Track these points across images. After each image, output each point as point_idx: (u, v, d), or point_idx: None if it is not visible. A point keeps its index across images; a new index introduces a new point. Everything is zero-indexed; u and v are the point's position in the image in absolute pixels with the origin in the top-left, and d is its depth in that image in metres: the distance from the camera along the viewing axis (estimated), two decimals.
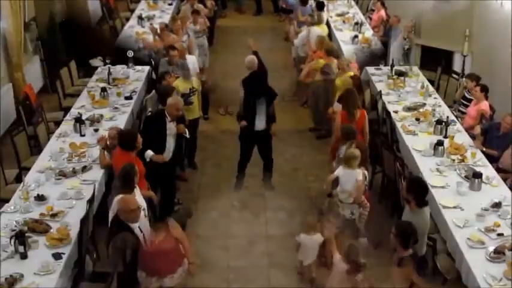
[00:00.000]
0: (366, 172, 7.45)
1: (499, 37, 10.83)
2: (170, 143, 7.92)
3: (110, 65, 11.21)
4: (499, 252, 6.09)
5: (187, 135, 8.15)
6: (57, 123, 9.48)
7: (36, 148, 9.04)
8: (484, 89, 9.21)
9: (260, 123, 8.82)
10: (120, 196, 6.10)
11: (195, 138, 9.74)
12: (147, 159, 7.66)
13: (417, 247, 6.01)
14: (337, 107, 8.96)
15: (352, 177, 7.18)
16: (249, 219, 8.63)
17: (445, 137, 8.55)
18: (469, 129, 9.01)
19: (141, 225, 6.09)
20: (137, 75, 11.05)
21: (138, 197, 6.35)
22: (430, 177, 7.60)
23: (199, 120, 9.79)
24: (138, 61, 11.20)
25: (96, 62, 12.64)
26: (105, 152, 7.72)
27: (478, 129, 8.66)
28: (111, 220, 6.08)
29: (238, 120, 9.07)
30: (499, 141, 8.39)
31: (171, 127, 7.90)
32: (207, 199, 9.12)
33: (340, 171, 7.28)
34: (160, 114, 7.98)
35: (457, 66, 12.16)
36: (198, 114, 9.53)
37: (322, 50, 10.67)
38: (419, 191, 6.29)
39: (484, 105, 9.21)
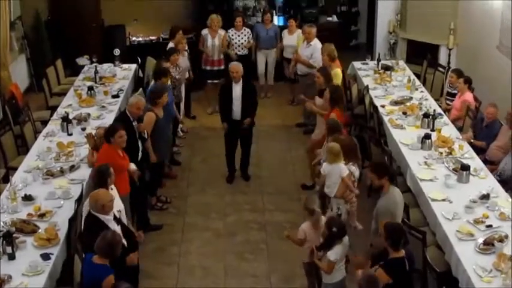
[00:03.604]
0: (353, 168, 7.37)
1: (484, 30, 10.88)
2: (139, 142, 7.80)
3: (96, 64, 11.17)
4: (488, 244, 6.10)
5: (146, 136, 7.94)
6: (44, 123, 9.42)
7: (23, 148, 8.97)
8: (467, 81, 9.39)
9: (237, 113, 8.98)
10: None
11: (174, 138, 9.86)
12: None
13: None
14: (318, 101, 8.94)
15: (336, 172, 7.18)
16: (238, 214, 8.65)
17: (433, 130, 8.58)
18: (455, 121, 9.13)
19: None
20: (124, 74, 11.03)
21: (116, 199, 6.30)
22: (418, 171, 7.62)
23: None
24: None
25: (82, 60, 12.57)
26: (93, 151, 7.68)
27: (470, 133, 8.70)
28: (86, 217, 6.05)
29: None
30: (484, 132, 8.52)
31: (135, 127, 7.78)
32: (196, 195, 9.13)
33: (326, 167, 7.28)
34: (124, 115, 7.87)
35: (442, 59, 12.20)
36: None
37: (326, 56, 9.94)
38: (385, 171, 6.48)
39: (468, 96, 9.33)
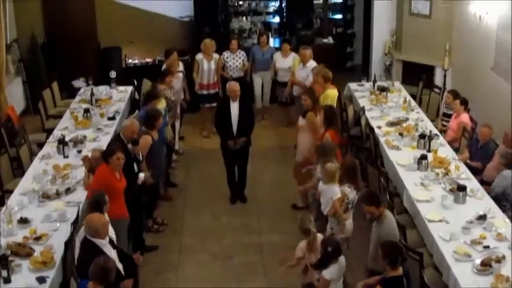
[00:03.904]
0: (348, 190, 7.25)
1: (479, 51, 10.95)
2: (134, 165, 7.78)
3: (92, 86, 11.19)
4: (485, 265, 6.09)
5: (140, 158, 7.90)
6: (40, 145, 9.41)
7: (18, 170, 8.94)
8: (464, 102, 9.43)
9: (233, 132, 9.02)
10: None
11: (170, 159, 9.85)
12: (140, 183, 7.66)
13: None
14: (301, 121, 8.93)
15: (329, 193, 7.16)
16: (235, 236, 8.63)
17: (429, 151, 8.59)
18: (451, 142, 9.14)
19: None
20: (120, 96, 11.04)
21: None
22: (414, 192, 7.62)
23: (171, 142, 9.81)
24: None
25: (78, 82, 12.59)
26: (90, 174, 7.66)
27: (466, 153, 8.73)
28: (81, 242, 6.01)
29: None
30: (480, 153, 8.55)
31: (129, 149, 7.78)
32: (192, 217, 9.10)
33: (320, 186, 7.28)
34: (118, 138, 7.89)
35: (438, 80, 12.25)
36: (169, 137, 9.50)
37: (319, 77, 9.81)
38: (379, 198, 6.51)
39: (464, 117, 9.36)
